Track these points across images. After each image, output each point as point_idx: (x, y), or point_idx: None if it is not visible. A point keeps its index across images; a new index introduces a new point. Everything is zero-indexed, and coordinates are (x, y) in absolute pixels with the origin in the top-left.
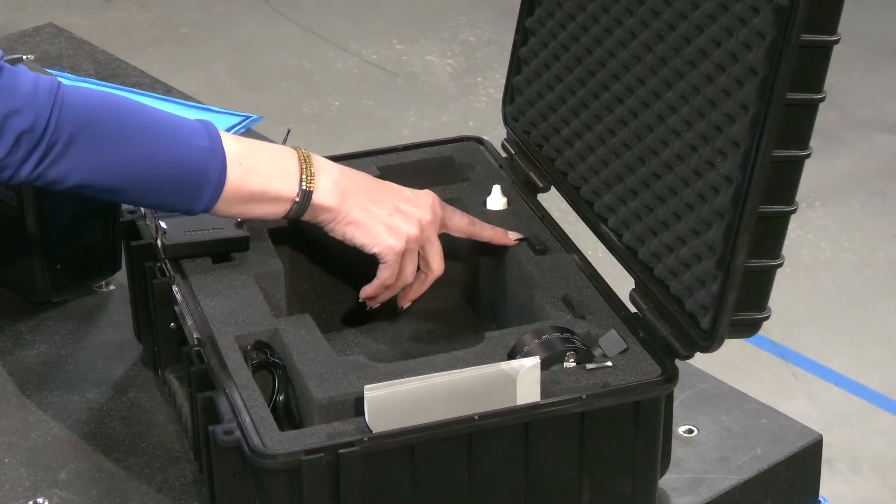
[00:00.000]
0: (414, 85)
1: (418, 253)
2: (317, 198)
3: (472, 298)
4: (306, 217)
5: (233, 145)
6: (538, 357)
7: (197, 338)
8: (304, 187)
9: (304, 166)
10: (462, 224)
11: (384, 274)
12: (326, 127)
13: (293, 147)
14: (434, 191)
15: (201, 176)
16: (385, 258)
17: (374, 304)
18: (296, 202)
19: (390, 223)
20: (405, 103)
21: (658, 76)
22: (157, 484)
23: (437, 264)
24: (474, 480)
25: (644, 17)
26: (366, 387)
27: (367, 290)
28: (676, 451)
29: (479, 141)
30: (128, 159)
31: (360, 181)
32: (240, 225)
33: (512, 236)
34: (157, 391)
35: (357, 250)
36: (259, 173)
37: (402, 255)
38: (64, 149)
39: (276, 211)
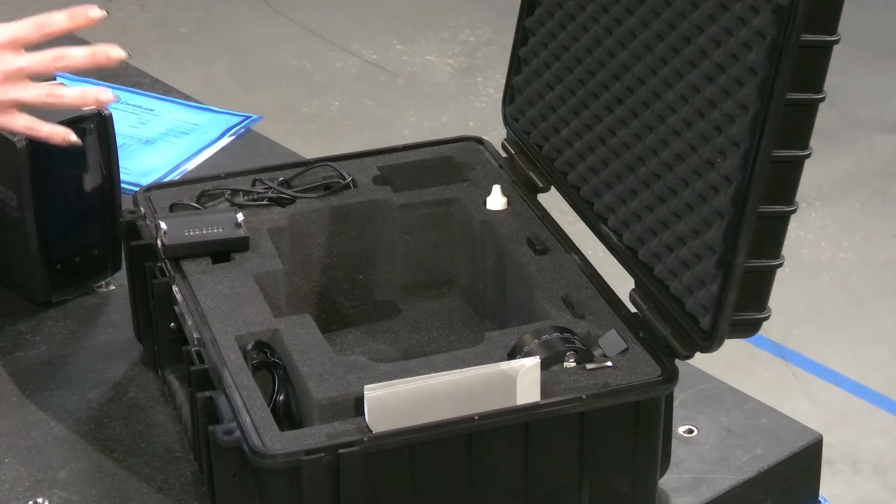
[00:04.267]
0: (414, 85)
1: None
2: None
3: (472, 298)
4: None
5: None
6: (538, 357)
7: (197, 338)
8: None
9: None
10: (36, 96)
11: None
12: (326, 127)
13: None
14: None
15: None
16: None
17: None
18: None
19: None
20: (405, 103)
21: (658, 76)
22: (157, 484)
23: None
24: (474, 480)
25: (644, 17)
26: (366, 387)
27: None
28: (676, 451)
29: (479, 141)
30: None
31: None
32: (239, 225)
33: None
34: (157, 391)
35: (355, 250)
36: None
37: None
38: None
39: None
